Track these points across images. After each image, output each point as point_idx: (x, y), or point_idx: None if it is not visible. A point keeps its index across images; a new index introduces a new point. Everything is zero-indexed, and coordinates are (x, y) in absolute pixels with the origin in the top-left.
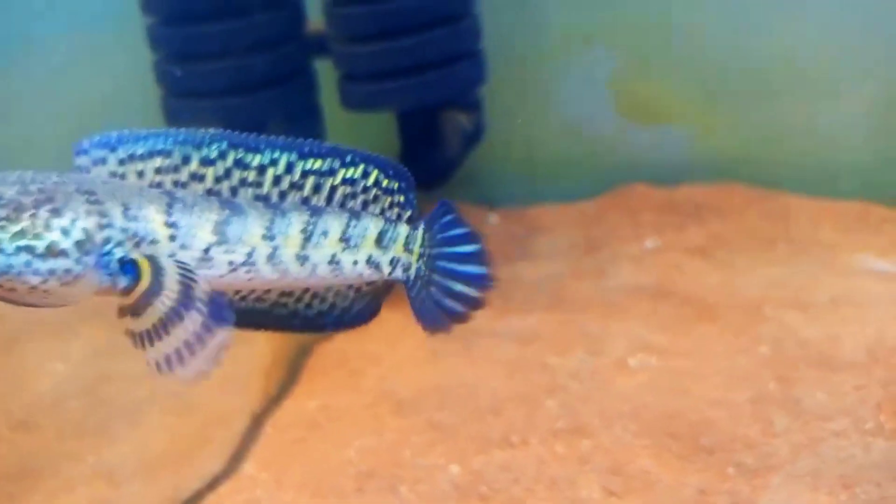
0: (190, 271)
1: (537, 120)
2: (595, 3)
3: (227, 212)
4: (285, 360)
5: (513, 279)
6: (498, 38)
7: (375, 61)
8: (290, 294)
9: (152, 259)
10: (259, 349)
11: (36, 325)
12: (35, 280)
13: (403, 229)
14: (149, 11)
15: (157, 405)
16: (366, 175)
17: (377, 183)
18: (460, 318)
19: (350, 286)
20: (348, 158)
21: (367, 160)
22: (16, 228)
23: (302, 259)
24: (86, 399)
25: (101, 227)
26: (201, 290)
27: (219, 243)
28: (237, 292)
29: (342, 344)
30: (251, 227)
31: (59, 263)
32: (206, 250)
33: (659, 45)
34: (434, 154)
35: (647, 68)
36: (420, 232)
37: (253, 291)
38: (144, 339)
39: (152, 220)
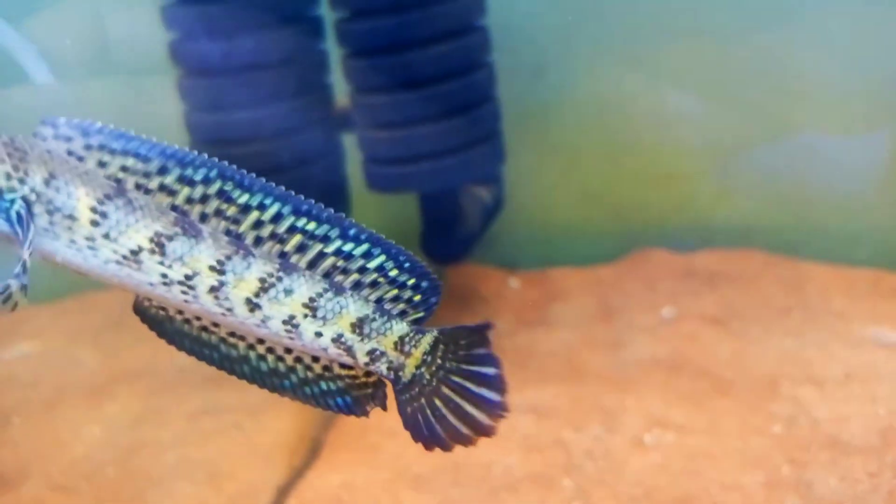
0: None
1: (557, 184)
2: (611, 71)
3: (177, 229)
4: (309, 434)
5: (530, 347)
6: (518, 103)
7: (397, 147)
8: (241, 338)
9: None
10: (285, 423)
11: (72, 389)
12: None
13: (399, 326)
14: None
15: (188, 475)
16: (367, 256)
17: (381, 269)
18: (463, 441)
19: (317, 360)
20: (352, 233)
21: (376, 243)
22: None
23: (253, 306)
24: (121, 466)
25: (9, 177)
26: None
27: (152, 252)
28: (180, 313)
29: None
30: (199, 253)
31: None
32: (136, 252)
33: (676, 110)
34: (455, 230)
35: (664, 133)
36: (428, 337)
37: (200, 319)
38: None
39: (77, 198)
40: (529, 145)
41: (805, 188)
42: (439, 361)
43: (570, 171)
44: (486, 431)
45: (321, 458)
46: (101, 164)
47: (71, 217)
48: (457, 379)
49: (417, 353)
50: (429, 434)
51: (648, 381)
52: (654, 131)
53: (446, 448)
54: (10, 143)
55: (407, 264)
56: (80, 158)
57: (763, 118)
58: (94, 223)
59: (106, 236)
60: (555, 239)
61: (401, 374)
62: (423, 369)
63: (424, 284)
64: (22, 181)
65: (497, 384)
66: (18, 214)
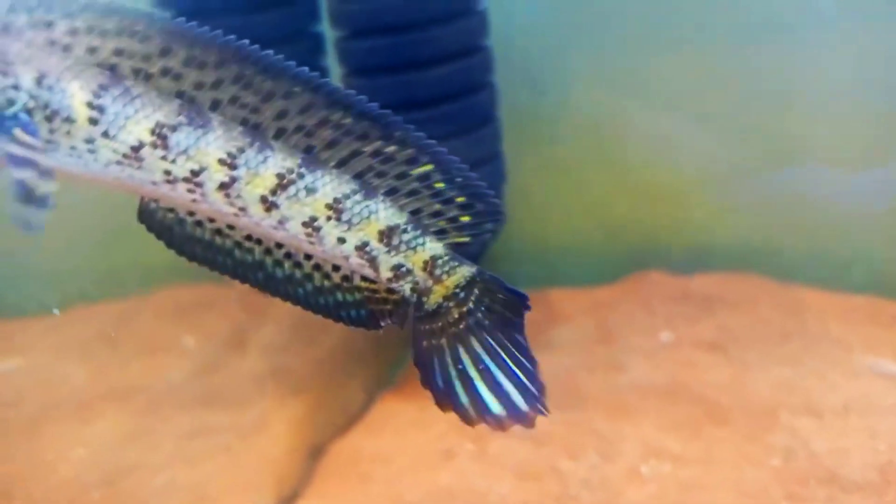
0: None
1: (556, 204)
2: (610, 90)
3: (181, 118)
4: (299, 459)
5: None
6: (517, 122)
7: None
8: (257, 241)
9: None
10: (276, 448)
11: (58, 406)
12: None
13: (433, 245)
14: None
15: (174, 498)
16: (411, 162)
17: (424, 178)
18: (490, 420)
19: (337, 269)
20: (397, 134)
21: (425, 150)
22: None
23: (269, 205)
24: (107, 489)
25: (2, 88)
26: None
27: (154, 146)
28: (190, 213)
29: (356, 440)
30: (207, 145)
31: None
32: (136, 148)
33: (675, 130)
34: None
35: (665, 154)
36: (465, 270)
37: (212, 220)
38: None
39: (71, 95)
40: (528, 165)
41: (804, 211)
42: (472, 305)
43: (569, 192)
44: (523, 420)
45: (312, 486)
46: (91, 50)
47: (69, 119)
48: (491, 339)
49: (449, 282)
50: (444, 386)
51: (646, 407)
52: (653, 152)
53: (467, 419)
54: (35, 47)
55: (459, 179)
56: (67, 47)
57: (763, 139)
58: (92, 121)
59: (105, 134)
60: (553, 259)
61: (425, 299)
62: (451, 303)
63: (479, 206)
64: (16, 87)
65: (534, 378)
66: (26, 126)
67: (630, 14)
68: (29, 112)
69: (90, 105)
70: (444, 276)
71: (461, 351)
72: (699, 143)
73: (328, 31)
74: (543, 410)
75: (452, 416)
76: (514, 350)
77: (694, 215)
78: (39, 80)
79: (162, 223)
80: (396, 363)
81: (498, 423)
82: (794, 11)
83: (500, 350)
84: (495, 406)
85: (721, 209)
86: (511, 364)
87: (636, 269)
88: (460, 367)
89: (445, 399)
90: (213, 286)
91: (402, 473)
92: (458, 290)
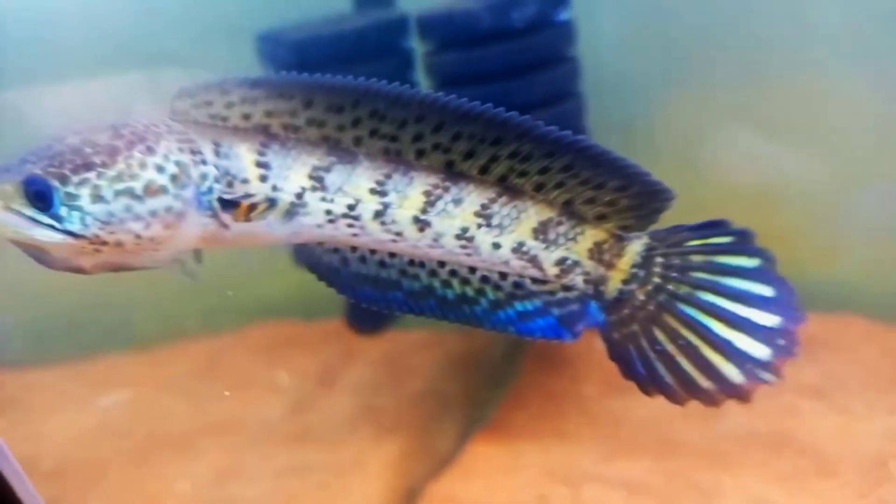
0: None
1: None
2: (704, 123)
3: (332, 158)
4: (397, 500)
5: (620, 415)
6: (604, 136)
7: None
8: (420, 265)
9: (250, 204)
10: (372, 488)
11: (161, 441)
12: (139, 226)
13: (593, 231)
14: None
15: None
16: (551, 156)
17: (569, 168)
18: (701, 396)
19: (505, 276)
20: (531, 132)
21: (562, 142)
22: (112, 173)
23: (421, 224)
24: None
25: (195, 163)
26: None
27: (314, 189)
28: (354, 250)
29: (449, 484)
30: (357, 178)
31: (159, 202)
32: (300, 195)
33: (772, 162)
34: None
35: (760, 187)
36: (635, 245)
37: (374, 253)
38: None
39: (242, 157)
40: None
41: None
42: (657, 280)
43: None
44: (739, 394)
45: None
46: (246, 117)
47: (244, 181)
48: (689, 308)
49: (622, 265)
50: (646, 373)
51: (746, 457)
52: (750, 185)
53: (676, 399)
54: (164, 125)
55: (607, 163)
56: (224, 119)
57: (869, 172)
58: (263, 178)
59: (275, 188)
60: None
61: (602, 288)
62: (633, 286)
63: (636, 188)
64: (204, 161)
65: (776, 303)
66: (223, 199)
67: (724, 31)
68: (218, 183)
69: (258, 164)
70: (616, 260)
71: (656, 332)
72: (800, 177)
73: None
74: (769, 378)
75: (543, 461)
76: (724, 306)
77: (792, 253)
78: (217, 151)
79: (327, 266)
80: (487, 404)
81: (710, 399)
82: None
83: (702, 316)
84: (703, 381)
85: (824, 246)
86: (719, 329)
87: None
88: (658, 348)
89: (650, 385)
90: (302, 324)
91: None
92: (635, 271)
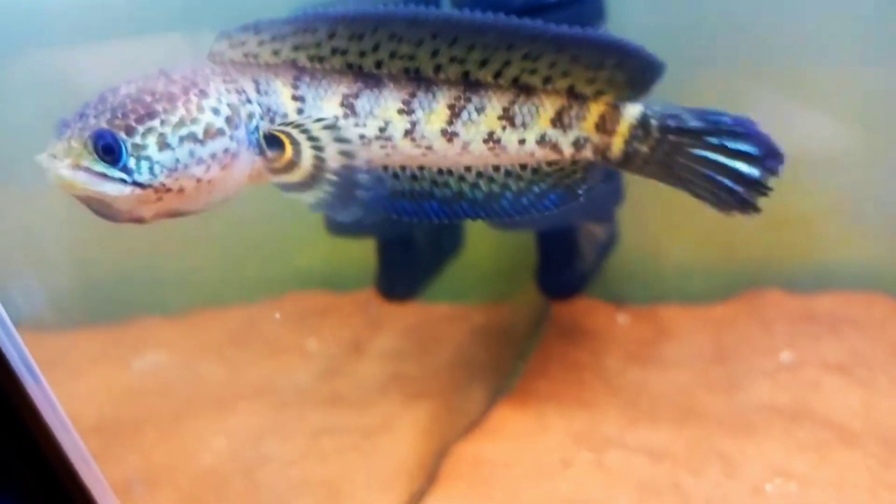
0: (320, 142)
1: (669, 219)
2: (730, 106)
3: (359, 84)
4: (427, 461)
5: (642, 386)
6: None
7: None
8: (449, 173)
9: (288, 135)
10: (401, 448)
11: (199, 400)
12: (200, 170)
13: (597, 107)
14: None
15: (310, 493)
16: (560, 51)
17: (574, 59)
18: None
19: (524, 167)
20: (538, 33)
21: (567, 37)
22: (175, 119)
23: (450, 135)
24: (247, 479)
25: (242, 102)
26: (336, 157)
27: (346, 116)
28: (385, 169)
29: (476, 445)
30: (385, 101)
31: (218, 144)
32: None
33: (797, 147)
34: (571, 267)
35: (792, 175)
36: (630, 109)
37: (405, 169)
38: (295, 189)
39: (280, 93)
40: (642, 180)
41: None
42: (658, 135)
43: (683, 207)
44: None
45: (437, 487)
46: (275, 53)
47: (284, 115)
48: (695, 150)
49: (622, 129)
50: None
51: (768, 428)
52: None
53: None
54: (207, 69)
55: (604, 45)
56: (256, 56)
57: (892, 151)
58: (300, 111)
59: (309, 118)
60: (664, 275)
61: (609, 154)
62: (635, 144)
63: (631, 63)
64: (249, 101)
65: (755, 157)
66: (268, 137)
67: (751, 15)
68: (262, 120)
69: (294, 97)
70: (615, 126)
71: (675, 163)
72: (825, 160)
73: None
74: (766, 191)
75: (566, 426)
76: (727, 146)
77: (820, 236)
78: (258, 89)
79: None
80: (511, 374)
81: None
82: None
83: (707, 151)
84: (735, 185)
85: (848, 227)
86: (724, 159)
87: (751, 287)
88: (687, 172)
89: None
90: (332, 295)
91: (522, 480)
92: (635, 132)
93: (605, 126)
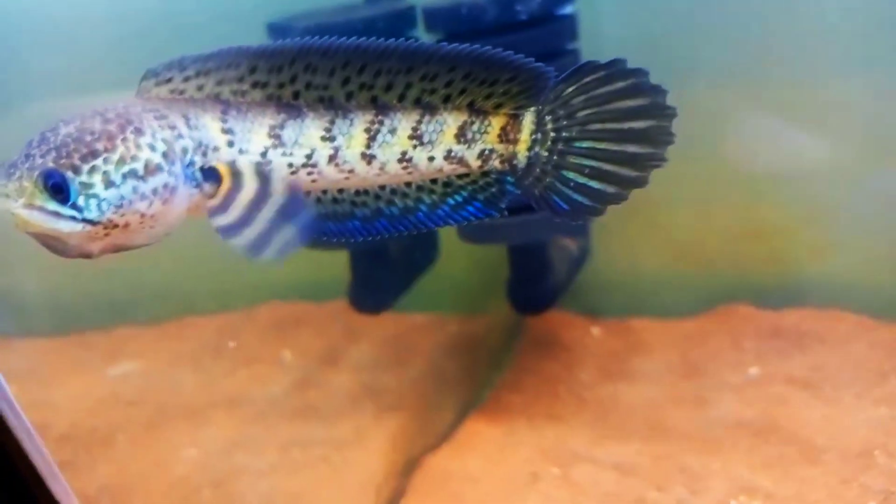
0: (263, 168)
1: (643, 233)
2: (702, 120)
3: (282, 115)
4: (395, 474)
5: (612, 400)
6: None
7: None
8: (365, 192)
9: (229, 164)
10: (371, 461)
11: (172, 410)
12: (143, 206)
13: (498, 119)
14: None
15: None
16: (454, 70)
17: (469, 76)
18: (613, 199)
19: (434, 181)
20: (435, 55)
21: (461, 55)
22: (116, 156)
23: (369, 158)
24: (217, 490)
25: (175, 138)
26: (278, 182)
27: (275, 146)
28: (308, 194)
29: (445, 459)
30: (308, 129)
31: (158, 179)
32: (264, 154)
33: (771, 160)
34: (543, 281)
35: (757, 184)
36: (528, 116)
37: (326, 193)
38: (231, 231)
39: (209, 126)
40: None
41: None
42: (553, 133)
43: (657, 221)
44: (638, 182)
45: (406, 501)
46: (200, 88)
47: (215, 148)
48: (583, 144)
49: (523, 137)
50: (569, 206)
51: (734, 443)
52: (747, 182)
53: (596, 213)
54: (138, 106)
55: (497, 62)
56: (182, 92)
57: (864, 171)
58: (230, 143)
59: (241, 151)
60: (638, 288)
61: (515, 162)
62: (536, 148)
63: (523, 76)
64: (181, 136)
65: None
66: (205, 170)
67: (730, 27)
68: (196, 154)
69: (223, 130)
70: (517, 135)
71: (566, 173)
72: (797, 174)
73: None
74: (660, 163)
75: (536, 441)
76: (611, 128)
77: (789, 249)
78: (188, 124)
79: None
80: (484, 386)
81: (617, 198)
82: None
83: (596, 143)
84: (610, 189)
85: (818, 244)
86: (613, 146)
87: (723, 302)
88: (572, 185)
89: (576, 214)
90: (309, 305)
91: (490, 495)
92: (534, 136)
93: (507, 136)
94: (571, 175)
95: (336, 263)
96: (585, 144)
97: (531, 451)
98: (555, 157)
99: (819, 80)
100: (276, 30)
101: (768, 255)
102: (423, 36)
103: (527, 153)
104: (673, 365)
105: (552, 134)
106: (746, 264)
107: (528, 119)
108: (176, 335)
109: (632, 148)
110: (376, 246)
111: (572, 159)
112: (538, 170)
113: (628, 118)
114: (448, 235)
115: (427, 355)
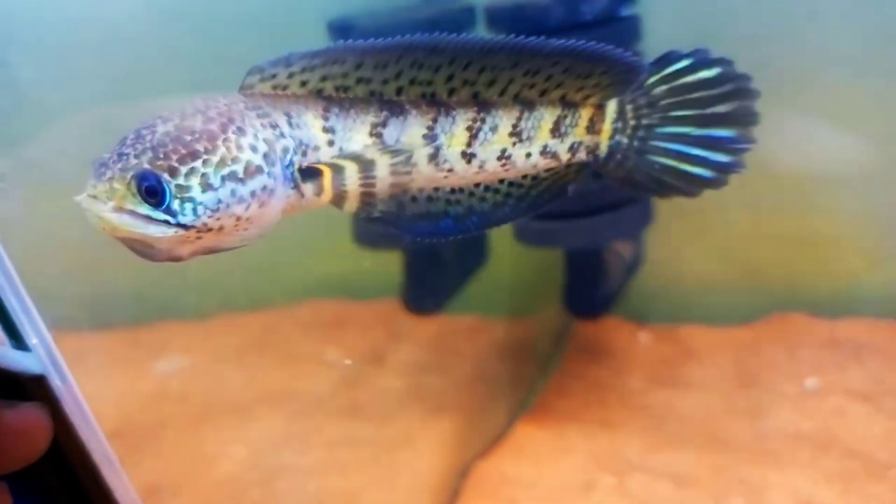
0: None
1: (693, 240)
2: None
3: (385, 113)
4: (449, 478)
5: (665, 408)
6: None
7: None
8: (460, 190)
9: (330, 164)
10: (422, 462)
11: (218, 406)
12: (240, 209)
13: (586, 111)
14: None
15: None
16: (555, 64)
17: (566, 69)
18: (706, 183)
19: (524, 176)
20: (535, 50)
21: (558, 50)
22: (216, 158)
23: (468, 157)
24: (265, 489)
25: (276, 137)
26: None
27: (375, 145)
28: (404, 193)
29: (498, 463)
30: (410, 128)
31: (257, 182)
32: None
33: (826, 168)
34: (599, 287)
35: (812, 193)
36: (610, 107)
37: (422, 191)
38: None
39: (311, 125)
40: (667, 204)
41: None
42: (633, 122)
43: (707, 228)
44: (732, 168)
45: None
46: (303, 84)
47: (315, 147)
48: (665, 129)
49: (606, 126)
50: (658, 187)
51: (793, 456)
52: (801, 191)
53: (689, 193)
54: (241, 103)
55: (596, 54)
56: (285, 88)
57: None
58: (330, 143)
59: (341, 151)
60: (686, 295)
61: (598, 153)
62: (617, 137)
63: (617, 68)
64: (282, 135)
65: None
66: (303, 170)
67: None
68: (296, 155)
69: (324, 129)
70: (601, 125)
71: (650, 157)
72: (854, 183)
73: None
74: (747, 146)
75: (589, 447)
76: (693, 115)
77: (843, 259)
78: (290, 122)
79: (388, 214)
80: (533, 389)
81: (714, 183)
82: None
83: (678, 127)
84: (703, 172)
85: (875, 255)
86: (696, 131)
87: (773, 310)
88: (657, 167)
89: (669, 193)
90: (351, 303)
91: (546, 501)
92: (615, 124)
93: (593, 127)
94: (657, 159)
95: (377, 263)
96: (668, 129)
97: (584, 458)
98: (635, 143)
99: (877, 84)
100: (336, 29)
101: (821, 263)
102: (483, 35)
103: (608, 142)
104: (726, 373)
105: (632, 122)
106: (798, 272)
107: (611, 108)
108: (220, 331)
109: (717, 132)
110: (431, 247)
111: (655, 143)
112: (619, 156)
113: (712, 104)
114: (504, 234)
115: (473, 357)
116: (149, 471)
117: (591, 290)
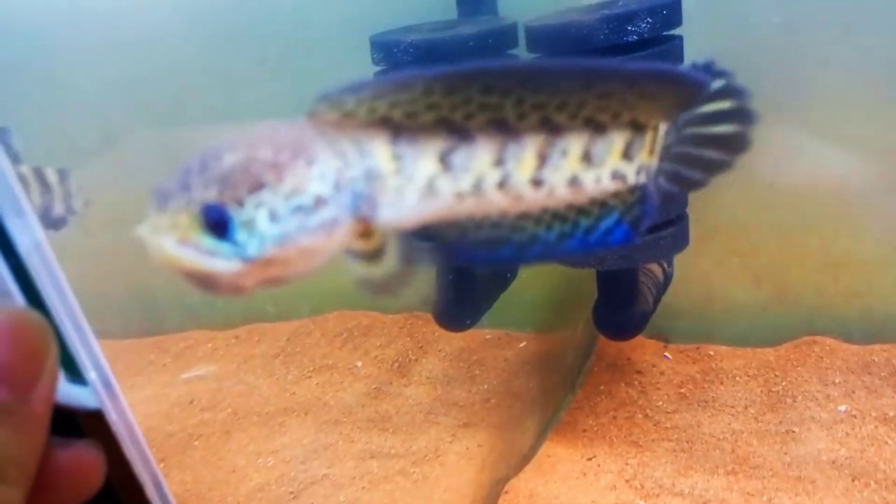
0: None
1: (720, 260)
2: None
3: (452, 139)
4: (482, 494)
5: (695, 429)
6: None
7: None
8: (526, 217)
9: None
10: (456, 478)
11: (246, 416)
12: (307, 240)
13: (649, 134)
14: None
15: None
16: (631, 85)
17: (641, 94)
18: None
19: (593, 203)
20: (609, 73)
21: (631, 73)
22: (285, 189)
23: (537, 183)
24: (296, 501)
25: (346, 166)
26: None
27: (443, 173)
28: (469, 219)
29: (530, 481)
30: (478, 154)
31: (325, 213)
32: (431, 181)
33: (857, 189)
34: (633, 307)
35: (842, 214)
36: (662, 128)
37: (487, 217)
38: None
39: (379, 153)
40: (694, 218)
41: None
42: (669, 141)
43: (735, 248)
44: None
45: None
46: (372, 111)
47: (380, 175)
48: (689, 131)
49: (657, 147)
50: (686, 181)
51: (829, 484)
52: (831, 213)
53: (702, 184)
54: (310, 130)
55: (666, 76)
56: (353, 115)
57: None
58: (397, 171)
59: (410, 178)
60: (712, 315)
61: (649, 173)
62: (654, 159)
63: (686, 90)
64: (351, 164)
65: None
66: (362, 196)
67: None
68: (361, 183)
69: (393, 157)
70: (655, 145)
71: (672, 165)
72: (886, 204)
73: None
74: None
75: (619, 468)
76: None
77: (874, 282)
78: (359, 150)
79: (448, 242)
80: (562, 405)
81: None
82: None
83: (698, 128)
84: (722, 155)
85: None
86: (711, 129)
87: (802, 332)
88: (684, 162)
89: (693, 186)
90: (376, 314)
91: None
92: (664, 145)
93: (653, 148)
94: (677, 164)
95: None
96: (690, 131)
97: (614, 479)
98: (666, 156)
99: None
100: (380, 46)
101: (852, 286)
102: (523, 54)
103: (658, 163)
104: (756, 395)
105: (669, 141)
106: (828, 295)
107: (661, 130)
108: (247, 339)
109: (713, 154)
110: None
111: (680, 148)
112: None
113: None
114: None
115: (500, 372)
116: (177, 483)
117: (625, 310)
